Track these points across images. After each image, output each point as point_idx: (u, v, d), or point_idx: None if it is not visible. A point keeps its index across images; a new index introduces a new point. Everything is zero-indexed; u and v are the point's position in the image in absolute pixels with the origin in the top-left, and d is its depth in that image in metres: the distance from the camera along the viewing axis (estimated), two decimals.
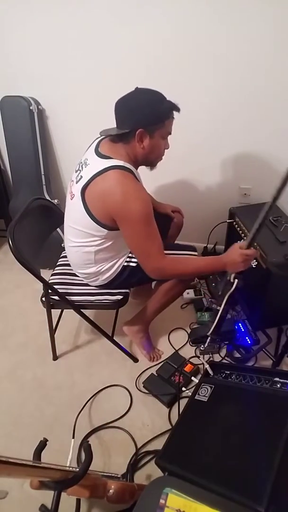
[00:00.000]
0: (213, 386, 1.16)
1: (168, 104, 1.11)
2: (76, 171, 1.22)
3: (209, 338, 1.35)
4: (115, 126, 1.15)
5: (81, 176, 1.17)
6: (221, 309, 1.25)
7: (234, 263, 1.18)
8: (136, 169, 1.21)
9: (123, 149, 1.15)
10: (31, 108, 1.82)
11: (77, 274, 1.41)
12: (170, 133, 1.19)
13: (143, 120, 1.09)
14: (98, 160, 1.14)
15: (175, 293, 1.43)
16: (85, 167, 1.17)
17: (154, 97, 1.11)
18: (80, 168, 1.20)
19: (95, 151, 1.18)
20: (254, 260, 1.52)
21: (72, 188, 1.22)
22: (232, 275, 1.21)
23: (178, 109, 1.14)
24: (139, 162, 1.20)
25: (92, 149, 1.21)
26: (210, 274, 1.26)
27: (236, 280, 1.20)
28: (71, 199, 1.22)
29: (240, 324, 1.63)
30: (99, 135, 1.22)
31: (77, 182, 1.18)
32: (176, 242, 1.71)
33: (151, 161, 1.23)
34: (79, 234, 1.24)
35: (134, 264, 1.33)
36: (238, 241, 1.22)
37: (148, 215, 1.11)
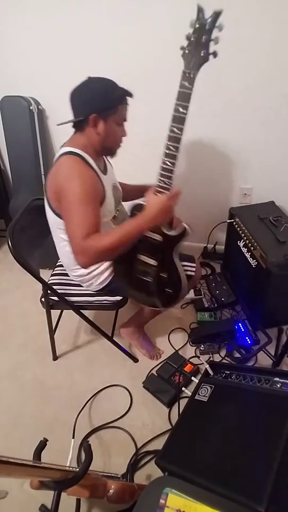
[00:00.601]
0: (213, 386, 1.16)
1: (120, 90, 1.12)
2: None
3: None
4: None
5: None
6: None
7: (160, 211, 1.09)
8: (98, 157, 1.21)
9: (80, 138, 1.17)
10: (31, 108, 1.82)
11: (71, 277, 1.40)
12: (125, 120, 1.19)
13: (96, 106, 1.11)
14: (57, 153, 1.18)
15: None
16: None
17: (106, 84, 1.12)
18: None
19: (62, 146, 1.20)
20: (254, 260, 1.52)
21: None
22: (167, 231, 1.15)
23: (130, 95, 1.15)
24: (97, 150, 1.19)
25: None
26: (140, 235, 1.09)
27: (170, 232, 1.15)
28: None
29: (240, 324, 1.63)
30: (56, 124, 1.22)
31: None
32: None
33: (109, 148, 1.22)
34: (53, 231, 1.25)
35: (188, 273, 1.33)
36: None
37: (85, 195, 1.07)
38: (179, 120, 1.04)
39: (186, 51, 0.95)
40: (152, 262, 1.22)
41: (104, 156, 1.29)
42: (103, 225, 1.16)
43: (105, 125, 1.13)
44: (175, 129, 1.06)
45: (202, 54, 0.93)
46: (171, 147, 1.07)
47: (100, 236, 1.07)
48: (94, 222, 1.07)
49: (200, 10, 0.89)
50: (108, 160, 1.37)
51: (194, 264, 1.39)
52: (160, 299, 1.27)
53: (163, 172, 1.10)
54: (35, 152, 1.93)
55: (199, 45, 0.92)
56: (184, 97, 1.02)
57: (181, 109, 1.02)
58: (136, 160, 1.72)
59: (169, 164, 1.08)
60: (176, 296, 1.26)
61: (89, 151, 1.16)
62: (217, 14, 0.87)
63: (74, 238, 1.06)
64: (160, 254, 1.21)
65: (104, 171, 1.26)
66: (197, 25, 0.89)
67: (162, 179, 1.10)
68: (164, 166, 1.08)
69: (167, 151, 1.07)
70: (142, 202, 1.16)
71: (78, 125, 1.17)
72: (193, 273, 1.36)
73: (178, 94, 1.02)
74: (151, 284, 1.24)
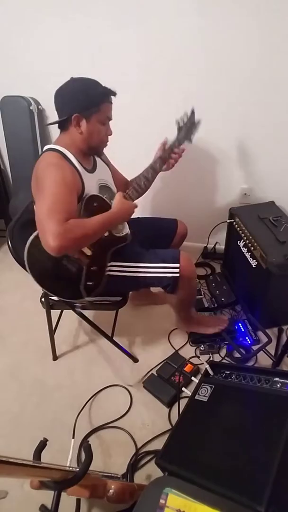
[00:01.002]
0: (213, 386, 1.16)
1: (102, 89, 1.13)
2: None
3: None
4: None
5: None
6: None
7: (123, 210, 1.19)
8: (84, 157, 1.21)
9: (64, 137, 1.17)
10: (31, 108, 1.82)
11: None
12: (110, 119, 1.20)
13: (77, 105, 1.11)
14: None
15: (186, 299, 1.42)
16: None
17: (88, 83, 1.13)
18: None
19: None
20: (254, 260, 1.53)
21: None
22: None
23: (113, 93, 1.15)
24: (82, 149, 1.19)
25: None
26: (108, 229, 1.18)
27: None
28: None
29: (240, 324, 1.63)
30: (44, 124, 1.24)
31: None
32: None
33: (93, 147, 1.22)
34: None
35: (118, 274, 1.30)
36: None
37: (63, 183, 1.05)
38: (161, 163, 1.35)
39: (178, 130, 1.34)
40: (88, 252, 1.22)
41: (94, 156, 1.29)
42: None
43: (88, 124, 1.14)
44: (157, 165, 1.33)
45: (187, 136, 1.36)
46: (149, 174, 1.33)
47: (78, 222, 1.03)
48: (71, 209, 1.05)
49: (193, 112, 1.32)
50: (104, 161, 1.36)
51: (175, 265, 1.29)
52: (76, 288, 1.24)
53: (138, 187, 1.32)
54: (35, 152, 1.93)
55: (187, 132, 1.35)
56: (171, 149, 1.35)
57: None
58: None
59: (144, 184, 1.34)
60: (93, 290, 1.26)
61: (72, 150, 1.16)
62: (198, 122, 1.34)
63: (50, 220, 0.98)
64: (98, 248, 1.23)
65: (91, 170, 1.25)
66: (188, 124, 1.33)
67: (136, 189, 1.31)
68: (141, 184, 1.33)
69: (145, 174, 1.34)
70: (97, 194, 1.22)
71: (62, 125, 1.17)
72: (176, 274, 1.28)
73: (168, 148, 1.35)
74: (73, 273, 1.21)
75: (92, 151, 1.24)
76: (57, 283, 1.24)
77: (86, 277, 1.23)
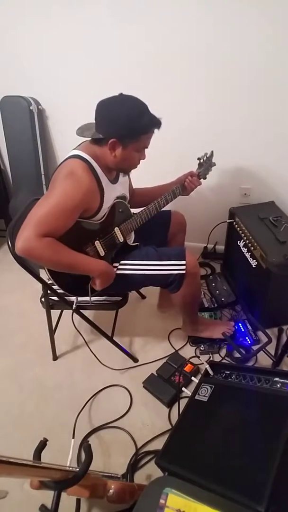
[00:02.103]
0: (213, 386, 1.16)
1: (147, 121, 1.08)
2: None
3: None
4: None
5: None
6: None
7: (107, 278, 1.19)
8: (108, 170, 1.20)
9: (95, 149, 1.15)
10: (31, 108, 1.82)
11: None
12: (146, 147, 1.17)
13: (118, 131, 1.08)
14: (67, 154, 1.17)
15: (191, 296, 1.41)
16: None
17: (134, 110, 1.07)
18: None
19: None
20: (254, 260, 1.53)
21: None
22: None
23: (157, 126, 1.11)
24: (109, 168, 1.19)
25: None
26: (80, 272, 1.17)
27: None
28: None
29: (240, 324, 1.63)
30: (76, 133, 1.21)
31: None
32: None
33: (122, 169, 1.23)
34: None
35: (125, 272, 1.32)
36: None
37: (70, 201, 1.05)
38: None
39: (199, 166, 1.48)
40: (101, 252, 1.25)
41: None
42: (93, 225, 1.20)
43: (123, 151, 1.12)
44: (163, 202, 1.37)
45: (204, 173, 1.50)
46: (152, 210, 1.35)
47: (53, 244, 1.03)
48: (58, 228, 1.04)
49: (212, 154, 1.49)
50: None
51: (181, 262, 1.29)
52: (82, 287, 1.26)
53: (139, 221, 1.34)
54: (35, 152, 1.93)
55: (205, 169, 1.49)
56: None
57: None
58: None
59: (163, 205, 1.38)
60: (95, 290, 1.26)
61: (100, 163, 1.15)
62: (214, 164, 1.52)
63: (33, 227, 1.00)
64: (111, 251, 1.29)
65: (114, 181, 1.25)
66: (207, 163, 1.49)
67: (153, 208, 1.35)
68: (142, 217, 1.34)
69: (167, 197, 1.37)
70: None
71: (97, 139, 1.14)
72: (182, 271, 1.29)
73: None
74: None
75: (119, 171, 1.25)
76: (67, 275, 1.23)
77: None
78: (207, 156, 1.46)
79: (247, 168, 1.80)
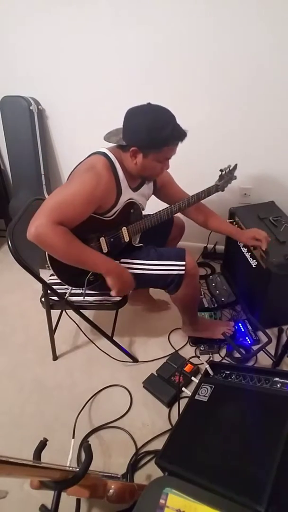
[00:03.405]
0: (213, 386, 1.16)
1: (168, 133, 1.06)
2: None
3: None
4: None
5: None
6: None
7: (123, 281, 1.17)
8: (130, 177, 1.20)
9: (120, 154, 1.17)
10: (31, 108, 1.82)
11: None
12: (168, 158, 1.17)
13: (138, 140, 1.09)
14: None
15: (189, 297, 1.41)
16: None
17: (157, 122, 1.06)
18: None
19: None
20: (254, 260, 1.53)
21: None
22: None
23: (180, 139, 1.11)
24: (132, 173, 1.20)
25: None
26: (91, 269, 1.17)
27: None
28: None
29: (240, 324, 1.63)
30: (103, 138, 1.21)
31: None
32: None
33: (144, 177, 1.24)
34: None
35: None
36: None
37: (89, 193, 1.06)
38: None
39: (220, 178, 1.43)
40: (104, 249, 1.27)
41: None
42: (101, 222, 1.20)
43: (144, 159, 1.12)
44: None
45: (224, 185, 1.44)
46: (163, 216, 1.32)
47: (66, 234, 1.03)
48: (72, 218, 1.05)
49: (235, 167, 1.45)
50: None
51: (181, 262, 1.29)
52: (81, 280, 1.27)
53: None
54: (35, 152, 1.93)
55: (226, 182, 1.44)
56: (208, 193, 1.40)
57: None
58: None
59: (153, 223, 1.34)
60: (93, 284, 1.29)
61: (123, 167, 1.17)
62: (235, 177, 1.48)
63: (49, 214, 1.00)
64: (115, 249, 1.30)
65: (135, 189, 1.26)
66: (229, 175, 1.44)
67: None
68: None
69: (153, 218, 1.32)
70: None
71: (121, 145, 1.15)
72: (181, 272, 1.29)
73: (206, 190, 1.40)
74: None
75: (141, 178, 1.25)
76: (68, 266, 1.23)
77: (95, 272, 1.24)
78: (230, 169, 1.43)
79: (247, 168, 1.79)
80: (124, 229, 1.29)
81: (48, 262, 1.20)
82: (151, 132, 1.07)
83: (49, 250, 1.07)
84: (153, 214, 1.33)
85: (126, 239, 1.30)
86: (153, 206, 1.43)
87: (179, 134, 1.09)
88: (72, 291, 1.38)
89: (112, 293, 1.19)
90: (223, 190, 1.45)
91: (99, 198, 1.10)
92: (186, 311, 1.52)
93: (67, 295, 1.34)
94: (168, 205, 1.35)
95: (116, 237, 1.28)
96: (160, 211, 1.33)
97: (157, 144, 1.09)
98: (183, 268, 1.29)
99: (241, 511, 0.72)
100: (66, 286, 1.38)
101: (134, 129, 1.09)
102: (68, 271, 1.20)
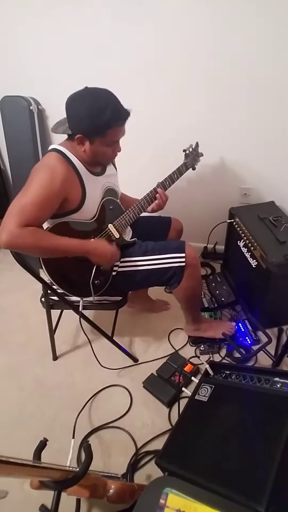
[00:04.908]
0: (213, 386, 1.16)
1: (108, 116, 1.05)
2: None
3: None
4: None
5: None
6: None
7: (101, 255, 1.17)
8: (89, 164, 1.19)
9: (70, 144, 1.16)
10: (31, 108, 1.82)
11: None
12: (116, 141, 1.16)
13: (81, 129, 1.09)
14: None
15: (192, 289, 1.40)
16: None
17: (96, 106, 1.05)
18: None
19: None
20: (254, 260, 1.53)
21: None
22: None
23: (121, 121, 1.09)
24: (86, 161, 1.18)
25: None
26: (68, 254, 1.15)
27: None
28: None
29: (240, 324, 1.63)
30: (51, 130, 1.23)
31: None
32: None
33: (98, 162, 1.22)
34: None
35: (125, 269, 1.33)
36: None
37: (47, 190, 1.05)
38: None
39: (186, 156, 1.49)
40: None
41: None
42: (86, 225, 1.21)
43: (92, 145, 1.12)
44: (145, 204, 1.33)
45: (192, 163, 1.52)
46: (144, 205, 1.32)
47: (36, 232, 1.04)
48: (38, 217, 1.05)
49: (197, 144, 1.54)
50: (112, 163, 1.36)
51: (180, 254, 1.30)
52: (85, 286, 1.27)
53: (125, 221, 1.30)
54: (35, 152, 1.93)
55: (193, 159, 1.51)
56: (180, 172, 1.45)
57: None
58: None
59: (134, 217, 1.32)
60: (100, 288, 1.30)
61: (78, 155, 1.16)
62: (201, 154, 1.57)
63: (13, 218, 1.01)
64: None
65: (99, 173, 1.25)
66: (193, 153, 1.52)
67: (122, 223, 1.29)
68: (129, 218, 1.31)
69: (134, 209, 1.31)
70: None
71: (69, 135, 1.16)
72: (182, 264, 1.30)
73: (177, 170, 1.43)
74: (86, 270, 1.24)
75: (97, 164, 1.24)
76: (68, 278, 1.25)
77: (94, 274, 1.24)
78: (193, 147, 1.50)
79: (247, 168, 1.80)
80: (110, 226, 1.28)
81: (49, 277, 1.22)
82: (91, 118, 1.06)
83: (26, 251, 1.09)
84: (134, 205, 1.32)
85: (116, 235, 1.28)
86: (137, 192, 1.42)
87: (120, 115, 1.08)
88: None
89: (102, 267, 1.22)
90: (194, 169, 1.54)
91: (59, 190, 1.09)
92: (189, 306, 1.51)
93: (80, 307, 1.34)
94: (148, 191, 1.35)
95: (106, 235, 1.27)
96: (140, 199, 1.33)
97: (100, 129, 1.08)
98: (183, 260, 1.30)
99: (241, 511, 0.72)
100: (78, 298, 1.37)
101: (75, 117, 1.10)
102: (68, 282, 1.24)
